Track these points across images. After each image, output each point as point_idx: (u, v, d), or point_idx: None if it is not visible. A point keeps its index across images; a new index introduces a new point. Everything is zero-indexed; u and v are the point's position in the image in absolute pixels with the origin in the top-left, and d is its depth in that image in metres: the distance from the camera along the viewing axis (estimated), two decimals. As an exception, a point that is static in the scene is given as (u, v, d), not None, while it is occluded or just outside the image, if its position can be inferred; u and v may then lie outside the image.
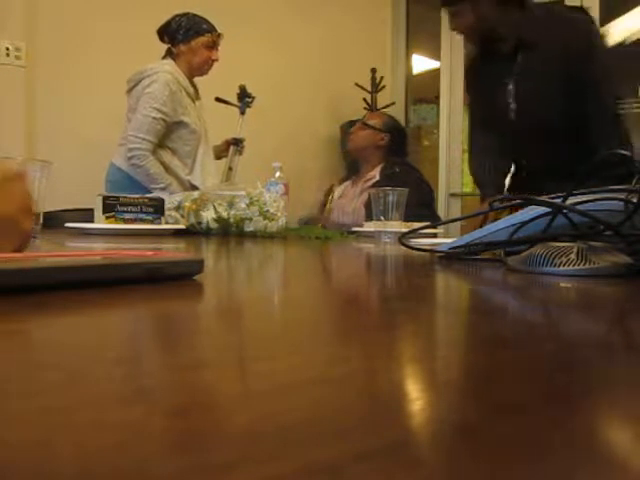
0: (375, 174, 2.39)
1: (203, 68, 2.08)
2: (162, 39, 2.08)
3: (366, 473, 0.11)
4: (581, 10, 1.68)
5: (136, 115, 1.96)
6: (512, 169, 1.86)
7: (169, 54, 2.08)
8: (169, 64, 2.02)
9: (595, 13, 3.16)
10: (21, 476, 0.10)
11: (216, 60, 2.09)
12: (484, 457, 0.12)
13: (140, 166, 1.95)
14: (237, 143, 2.32)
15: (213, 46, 2.06)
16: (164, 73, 1.96)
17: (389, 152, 2.44)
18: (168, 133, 2.01)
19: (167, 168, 2.02)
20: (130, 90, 2.04)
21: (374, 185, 2.24)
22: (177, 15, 2.06)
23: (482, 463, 0.11)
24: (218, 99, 2.29)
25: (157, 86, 1.95)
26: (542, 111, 1.62)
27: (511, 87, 1.66)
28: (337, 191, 2.49)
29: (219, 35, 2.08)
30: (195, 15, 2.06)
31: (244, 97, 2.35)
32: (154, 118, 1.95)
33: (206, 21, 2.07)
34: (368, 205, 2.30)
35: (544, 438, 0.13)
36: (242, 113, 2.37)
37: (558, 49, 1.56)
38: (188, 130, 2.03)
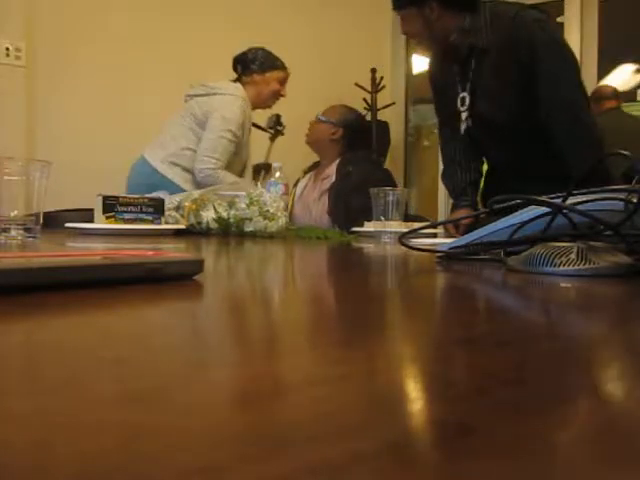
0: (331, 172, 2.33)
1: (270, 100, 2.14)
2: (235, 68, 2.15)
3: (366, 473, 0.11)
4: (531, 7, 1.60)
5: (208, 135, 1.98)
6: (483, 171, 1.83)
7: (239, 81, 2.12)
8: (242, 90, 2.06)
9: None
10: (21, 476, 0.10)
11: (283, 96, 2.15)
12: (484, 457, 0.12)
13: (212, 184, 1.97)
14: (267, 169, 2.33)
15: (283, 82, 2.15)
16: (242, 99, 2.02)
17: (346, 146, 2.39)
18: None
19: None
20: (193, 97, 2.06)
21: (331, 187, 2.21)
22: (253, 48, 2.14)
23: (482, 463, 0.11)
24: (253, 124, 2.30)
25: (235, 110, 1.99)
26: (499, 115, 1.60)
27: (466, 95, 1.64)
28: (299, 186, 2.42)
29: (289, 73, 2.17)
30: (270, 52, 2.15)
31: (277, 125, 2.38)
32: (229, 140, 1.99)
33: (278, 59, 2.16)
34: (331, 213, 2.26)
35: (545, 439, 0.13)
36: (272, 140, 2.38)
37: (507, 51, 1.53)
38: (238, 156, 2.08)
